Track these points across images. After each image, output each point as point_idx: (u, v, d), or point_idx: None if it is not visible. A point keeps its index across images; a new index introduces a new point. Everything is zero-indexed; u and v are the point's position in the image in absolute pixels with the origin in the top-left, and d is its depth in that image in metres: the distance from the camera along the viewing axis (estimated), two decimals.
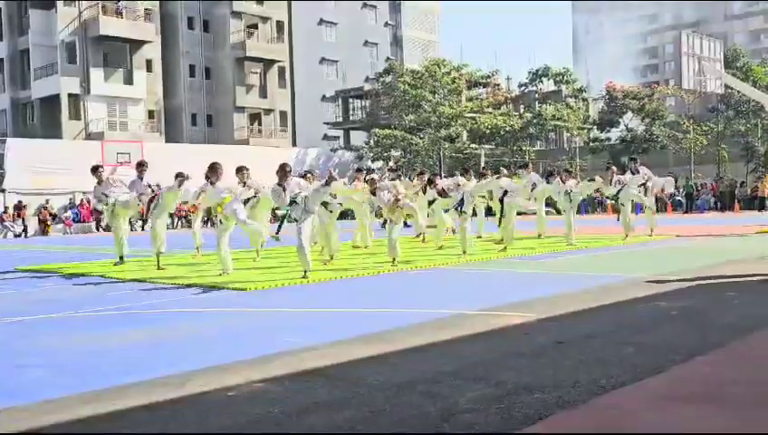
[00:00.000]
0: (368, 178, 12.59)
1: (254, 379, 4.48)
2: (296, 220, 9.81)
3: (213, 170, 10.82)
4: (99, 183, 12.97)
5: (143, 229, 15.55)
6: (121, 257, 12.72)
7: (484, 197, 15.00)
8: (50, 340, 6.19)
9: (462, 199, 12.43)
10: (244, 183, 12.09)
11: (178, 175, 13.89)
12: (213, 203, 10.96)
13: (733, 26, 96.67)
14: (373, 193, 11.73)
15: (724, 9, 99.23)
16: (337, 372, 4.63)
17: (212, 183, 10.74)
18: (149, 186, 12.39)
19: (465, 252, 12.21)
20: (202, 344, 5.84)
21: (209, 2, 50.47)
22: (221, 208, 10.76)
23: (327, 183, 9.90)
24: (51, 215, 33.62)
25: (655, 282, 8.40)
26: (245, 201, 11.80)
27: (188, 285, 9.59)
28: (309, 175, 12.80)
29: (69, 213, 34.58)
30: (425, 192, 13.23)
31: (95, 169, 13.21)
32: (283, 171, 10.01)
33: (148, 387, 4.39)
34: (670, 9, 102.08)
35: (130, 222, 14.73)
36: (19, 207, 33.09)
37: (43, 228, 32.81)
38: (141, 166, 12.80)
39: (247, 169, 12.20)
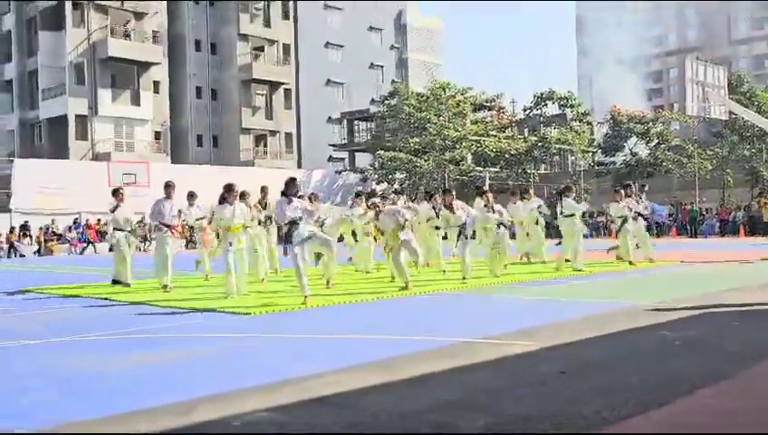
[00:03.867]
0: (370, 202, 12.56)
1: (258, 408, 4.49)
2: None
3: (230, 191, 10.87)
4: (117, 206, 12.97)
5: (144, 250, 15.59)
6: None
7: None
8: (54, 363, 6.21)
9: (464, 224, 12.44)
10: (265, 205, 12.18)
11: (191, 194, 14.01)
12: (225, 224, 10.90)
13: (737, 51, 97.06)
14: (376, 217, 11.77)
15: (728, 34, 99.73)
16: (341, 401, 4.64)
17: (229, 203, 10.78)
18: (180, 211, 12.46)
19: (464, 278, 12.16)
20: (206, 371, 5.86)
21: (217, 24, 50.96)
22: (232, 233, 10.77)
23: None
24: (55, 235, 33.74)
25: (659, 310, 8.40)
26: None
27: (193, 309, 9.61)
28: (312, 196, 12.78)
29: (74, 233, 34.68)
30: (437, 216, 13.30)
31: (115, 193, 13.24)
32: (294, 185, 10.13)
33: (153, 414, 4.41)
34: (675, 31, 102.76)
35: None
36: (25, 228, 33.22)
37: (43, 248, 32.88)
38: (169, 187, 12.52)
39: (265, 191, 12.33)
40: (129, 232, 12.96)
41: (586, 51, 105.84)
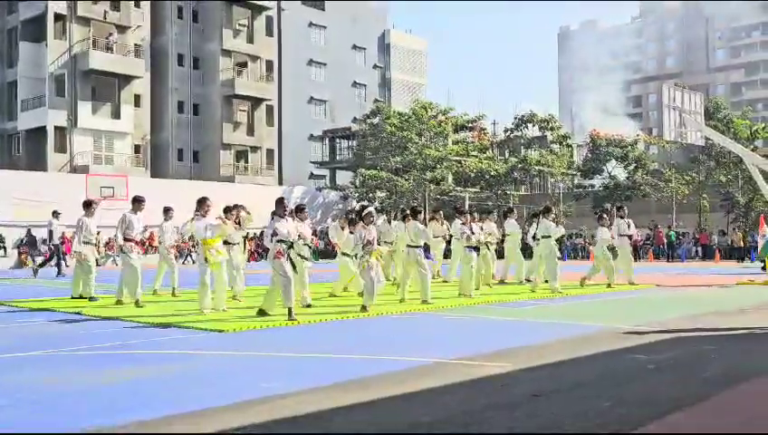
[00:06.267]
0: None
1: (231, 426, 4.44)
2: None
3: (202, 205, 10.83)
4: (88, 216, 12.98)
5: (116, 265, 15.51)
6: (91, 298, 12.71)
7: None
8: (22, 378, 6.11)
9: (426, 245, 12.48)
10: (238, 223, 12.14)
11: (167, 210, 13.94)
12: (199, 237, 10.88)
13: (715, 78, 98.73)
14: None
15: (706, 61, 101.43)
16: (316, 420, 4.61)
17: (202, 217, 10.75)
18: (145, 228, 12.44)
19: (425, 301, 11.80)
20: (178, 387, 5.80)
21: (199, 39, 50.93)
22: (209, 246, 10.72)
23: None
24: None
25: (633, 333, 8.44)
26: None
27: (165, 325, 9.51)
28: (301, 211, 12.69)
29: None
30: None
31: (89, 205, 13.21)
32: (282, 206, 10.19)
33: (124, 431, 4.34)
34: (655, 58, 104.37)
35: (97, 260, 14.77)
36: (0, 240, 32.79)
37: (17, 260, 32.49)
38: (136, 202, 12.54)
39: (238, 208, 12.29)
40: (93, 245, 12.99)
41: (567, 68, 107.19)
